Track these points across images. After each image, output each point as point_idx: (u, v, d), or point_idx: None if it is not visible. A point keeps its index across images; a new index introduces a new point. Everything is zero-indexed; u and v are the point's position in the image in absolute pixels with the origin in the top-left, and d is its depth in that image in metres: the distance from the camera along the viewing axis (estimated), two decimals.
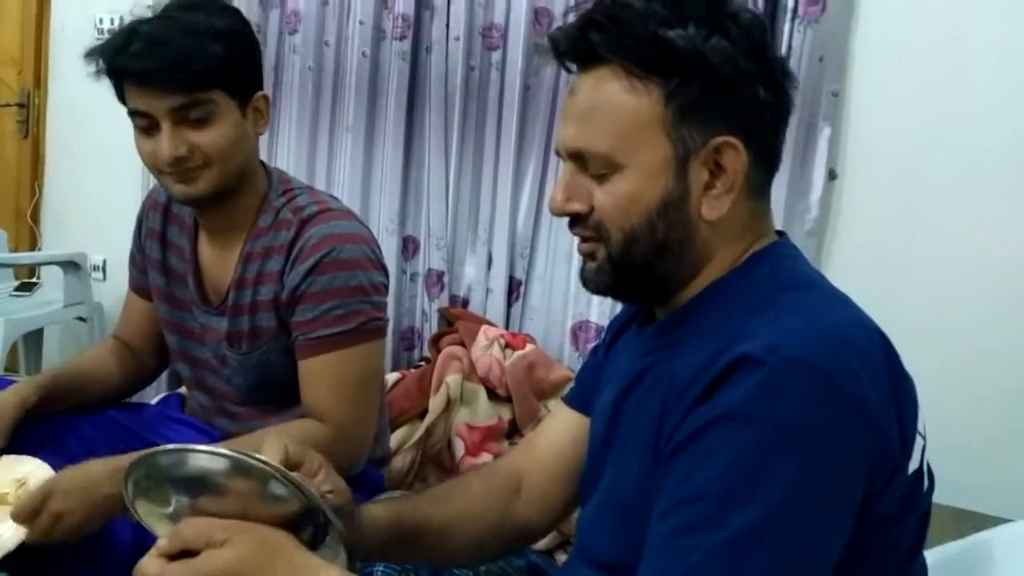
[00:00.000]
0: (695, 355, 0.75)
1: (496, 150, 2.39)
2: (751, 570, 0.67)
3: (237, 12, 1.35)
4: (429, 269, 2.49)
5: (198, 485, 0.75)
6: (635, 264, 0.81)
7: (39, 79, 3.14)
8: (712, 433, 0.70)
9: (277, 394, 1.35)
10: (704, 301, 0.82)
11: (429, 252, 2.48)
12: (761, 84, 0.79)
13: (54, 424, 1.34)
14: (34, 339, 2.90)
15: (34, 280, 3.01)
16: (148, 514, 0.78)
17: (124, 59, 1.20)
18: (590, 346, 2.14)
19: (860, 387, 0.70)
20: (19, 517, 1.10)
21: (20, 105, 3.16)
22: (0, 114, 3.20)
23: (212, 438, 1.37)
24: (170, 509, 0.77)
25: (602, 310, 2.33)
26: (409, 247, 2.53)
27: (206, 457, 0.74)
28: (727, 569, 0.67)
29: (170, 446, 0.76)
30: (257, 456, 0.74)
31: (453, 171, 2.43)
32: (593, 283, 0.85)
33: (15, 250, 3.07)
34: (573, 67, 0.83)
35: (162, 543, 0.73)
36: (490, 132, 2.39)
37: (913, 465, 0.76)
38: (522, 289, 2.43)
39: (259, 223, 1.32)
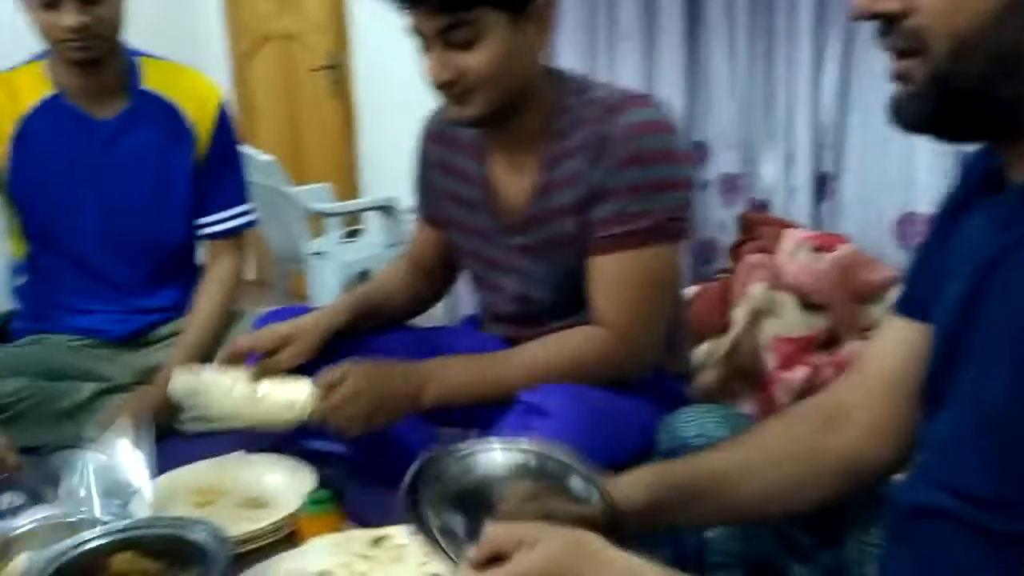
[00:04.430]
0: None
1: (788, 28, 2.16)
2: None
3: None
4: (722, 174, 2.36)
5: (494, 488, 0.77)
6: (968, 83, 0.65)
7: (344, 41, 3.38)
8: None
9: (583, 304, 1.31)
10: None
11: (721, 156, 2.35)
12: None
13: (356, 345, 1.40)
14: (362, 280, 3.19)
15: (358, 227, 3.31)
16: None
17: None
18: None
19: None
20: (321, 383, 1.18)
21: (330, 67, 3.44)
22: (314, 78, 3.51)
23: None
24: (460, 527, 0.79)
25: (933, 197, 2.02)
26: (699, 153, 2.40)
27: (501, 456, 0.77)
28: None
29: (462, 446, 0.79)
30: (559, 451, 0.76)
31: (741, 59, 2.25)
32: (906, 113, 0.70)
33: (340, 200, 3.38)
34: None
35: (470, 553, 0.72)
36: (780, 7, 2.16)
37: None
38: (831, 184, 2.21)
39: (555, 126, 1.28)
